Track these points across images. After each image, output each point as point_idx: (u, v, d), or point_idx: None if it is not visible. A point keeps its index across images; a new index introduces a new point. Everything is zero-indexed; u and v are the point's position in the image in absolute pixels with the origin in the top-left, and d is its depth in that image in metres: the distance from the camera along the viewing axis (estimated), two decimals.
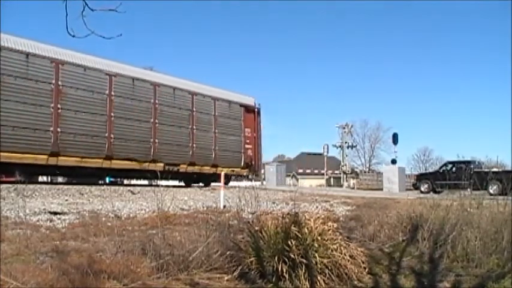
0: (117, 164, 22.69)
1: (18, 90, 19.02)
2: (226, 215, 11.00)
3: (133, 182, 29.01)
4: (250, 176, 31.57)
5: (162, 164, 24.28)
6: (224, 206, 14.14)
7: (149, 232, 9.22)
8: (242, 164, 29.43)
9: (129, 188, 20.60)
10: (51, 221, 10.58)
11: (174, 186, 23.95)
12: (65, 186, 19.16)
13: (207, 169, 27.25)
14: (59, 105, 20.25)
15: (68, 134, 20.55)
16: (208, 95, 27.79)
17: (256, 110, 30.85)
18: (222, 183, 16.81)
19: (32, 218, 10.53)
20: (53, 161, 20.13)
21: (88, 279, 5.99)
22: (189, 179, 27.74)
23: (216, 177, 26.50)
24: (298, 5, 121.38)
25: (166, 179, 25.48)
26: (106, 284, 6.06)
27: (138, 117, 23.79)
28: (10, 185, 16.59)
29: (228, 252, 7.71)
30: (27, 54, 19.50)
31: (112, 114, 22.45)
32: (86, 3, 4.24)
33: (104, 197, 16.26)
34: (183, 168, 25.95)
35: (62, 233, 9.29)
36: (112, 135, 22.36)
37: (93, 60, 22.27)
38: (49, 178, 27.57)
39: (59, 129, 20.13)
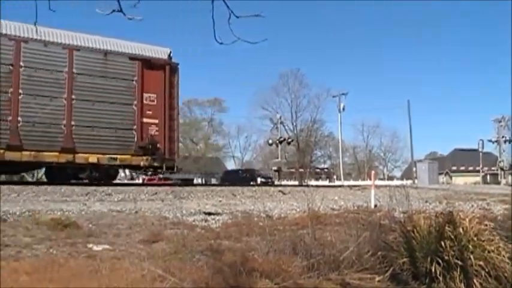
0: None
1: None
2: (377, 214, 10.83)
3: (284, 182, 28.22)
4: (162, 170, 22.12)
5: None
6: (375, 206, 13.93)
7: (300, 232, 9.23)
8: (135, 147, 20.51)
9: (279, 188, 20.88)
10: (206, 221, 10.98)
11: (324, 186, 23.95)
12: (218, 188, 19.86)
13: (51, 156, 19.11)
14: None
15: None
16: (56, 42, 19.56)
17: (169, 66, 21.63)
18: (372, 182, 16.59)
19: (188, 219, 10.99)
20: None
21: (241, 277, 6.16)
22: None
23: (78, 170, 20.21)
24: None
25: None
26: (258, 282, 6.19)
27: None
28: (168, 187, 17.59)
29: (379, 253, 7.59)
30: None
31: None
32: (231, 11, 4.39)
33: (256, 198, 16.60)
34: None
35: (216, 233, 9.62)
36: None
37: None
38: None
39: None
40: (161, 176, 39.68)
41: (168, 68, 21.43)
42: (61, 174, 19.80)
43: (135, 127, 20.57)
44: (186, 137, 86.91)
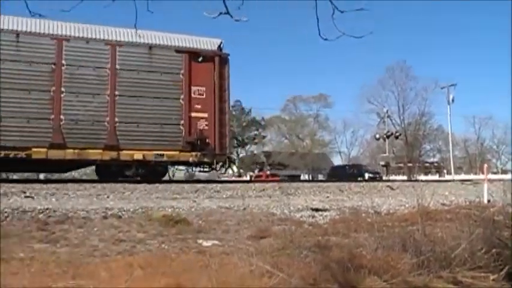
0: None
1: None
2: (491, 210, 10.42)
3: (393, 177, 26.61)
4: (213, 165, 20.71)
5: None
6: (488, 201, 13.42)
7: (409, 228, 9.03)
8: (183, 143, 19.60)
9: (388, 183, 20.54)
10: (313, 217, 11.03)
11: (434, 181, 23.30)
12: (325, 184, 19.82)
13: (95, 153, 18.76)
14: None
15: None
16: (98, 39, 19.39)
17: (218, 57, 20.56)
18: (485, 176, 15.99)
19: (296, 215, 11.07)
20: None
21: (349, 274, 6.15)
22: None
23: (123, 168, 19.36)
24: None
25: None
26: (366, 279, 6.17)
27: None
28: (275, 184, 17.76)
29: (493, 250, 7.34)
30: None
31: None
32: (335, 7, 4.38)
33: (363, 193, 16.43)
34: (39, 153, 18.14)
35: (323, 229, 9.64)
36: None
37: None
38: None
39: None
40: (268, 172, 39.61)
41: (217, 60, 20.38)
42: (107, 172, 19.28)
43: (182, 122, 19.68)
44: (292, 134, 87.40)
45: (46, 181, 17.62)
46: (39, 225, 9.10)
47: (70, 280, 6.30)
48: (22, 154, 17.77)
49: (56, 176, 21.56)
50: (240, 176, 52.75)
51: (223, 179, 32.10)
